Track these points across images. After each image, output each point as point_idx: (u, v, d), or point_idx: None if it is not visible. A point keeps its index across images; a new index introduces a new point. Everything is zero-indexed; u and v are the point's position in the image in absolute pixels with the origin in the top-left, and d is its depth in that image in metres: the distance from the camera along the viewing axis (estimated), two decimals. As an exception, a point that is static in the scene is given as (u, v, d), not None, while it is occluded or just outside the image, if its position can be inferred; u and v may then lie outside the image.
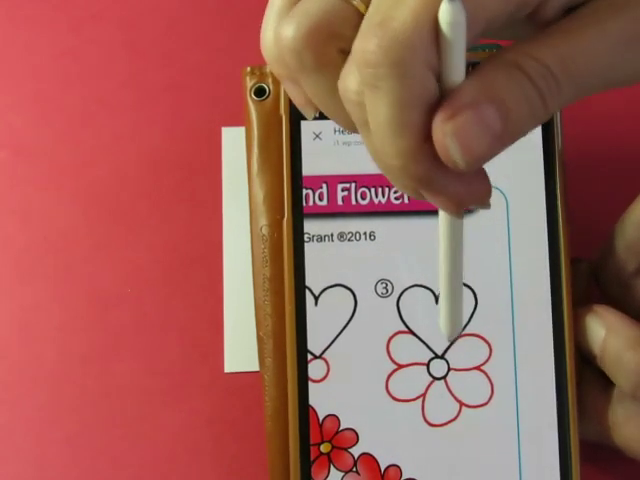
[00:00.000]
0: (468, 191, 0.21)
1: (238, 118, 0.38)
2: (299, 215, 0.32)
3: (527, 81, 0.20)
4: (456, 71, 0.20)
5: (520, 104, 0.20)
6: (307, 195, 0.33)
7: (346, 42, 0.22)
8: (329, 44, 0.22)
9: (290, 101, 0.32)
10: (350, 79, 0.21)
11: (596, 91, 0.22)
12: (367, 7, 0.22)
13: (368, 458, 0.32)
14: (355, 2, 0.22)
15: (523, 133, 0.21)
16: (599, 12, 0.21)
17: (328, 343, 0.32)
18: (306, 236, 0.32)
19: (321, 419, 0.32)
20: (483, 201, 0.22)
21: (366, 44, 0.19)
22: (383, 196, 0.33)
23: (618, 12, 0.21)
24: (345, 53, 0.22)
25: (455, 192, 0.21)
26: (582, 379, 0.33)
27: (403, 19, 0.19)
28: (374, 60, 0.19)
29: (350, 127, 0.23)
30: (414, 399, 0.32)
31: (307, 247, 0.32)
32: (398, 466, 0.32)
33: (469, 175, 0.21)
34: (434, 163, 0.20)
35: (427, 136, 0.20)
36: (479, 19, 0.20)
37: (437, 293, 0.32)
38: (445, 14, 0.19)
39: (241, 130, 0.35)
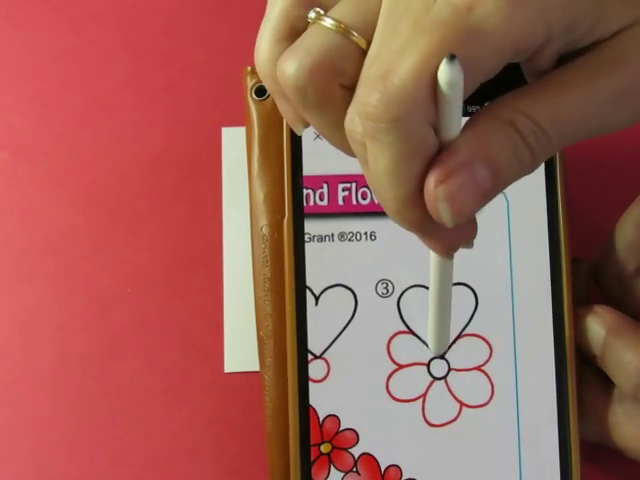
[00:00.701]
0: (458, 236, 0.22)
1: (238, 118, 0.38)
2: (300, 215, 0.32)
3: (519, 139, 0.21)
4: (453, 126, 0.20)
5: (511, 161, 0.21)
6: (308, 195, 0.33)
7: (348, 77, 0.22)
8: (331, 81, 0.22)
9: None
10: (356, 122, 0.21)
11: (583, 139, 0.22)
12: (367, 42, 0.22)
13: (368, 458, 0.32)
14: (355, 38, 0.22)
15: (508, 186, 0.22)
16: (591, 68, 0.22)
17: (328, 343, 0.32)
18: (307, 236, 0.33)
19: (321, 419, 0.32)
20: (469, 243, 0.23)
21: (368, 97, 0.20)
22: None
23: (609, 70, 0.21)
24: (347, 88, 0.22)
25: (446, 237, 0.22)
26: (582, 379, 0.33)
27: (404, 75, 0.19)
28: (375, 114, 0.20)
29: (351, 155, 0.23)
30: (414, 399, 0.32)
31: (308, 247, 0.32)
32: (398, 466, 0.32)
33: None
34: (428, 211, 0.21)
35: (423, 186, 0.21)
36: (476, 75, 0.20)
37: None
38: (444, 74, 0.19)
39: (241, 130, 0.35)
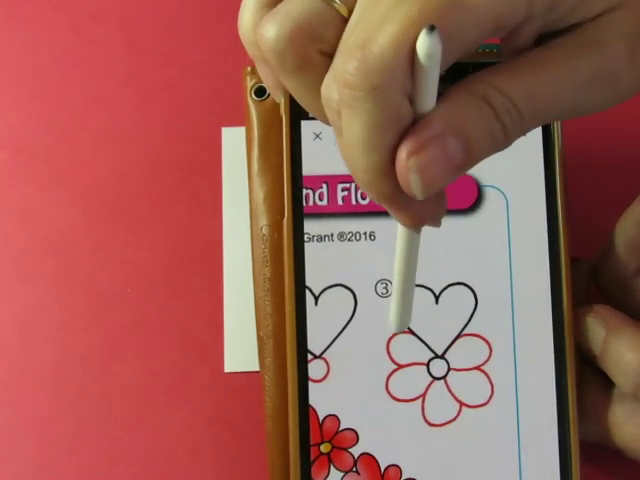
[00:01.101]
0: (427, 210, 0.23)
1: (238, 118, 0.38)
2: (299, 215, 0.32)
3: (492, 115, 0.21)
4: (428, 98, 0.20)
5: (483, 137, 0.21)
6: (307, 195, 0.33)
7: (327, 44, 0.22)
8: (310, 46, 0.22)
9: (290, 101, 0.32)
10: (333, 88, 0.21)
11: (558, 120, 0.22)
12: (349, 10, 0.22)
13: (368, 458, 0.32)
14: (337, 5, 0.22)
15: (479, 161, 0.22)
16: (568, 49, 0.22)
17: (328, 343, 0.32)
18: (306, 236, 0.32)
19: (321, 419, 0.32)
20: (437, 220, 0.23)
21: (346, 64, 0.20)
22: (383, 196, 0.33)
23: (587, 52, 0.22)
24: (326, 55, 0.22)
25: (415, 211, 0.22)
26: (582, 379, 0.33)
27: (383, 44, 0.19)
28: (352, 82, 0.20)
29: (326, 123, 0.23)
30: (414, 399, 0.32)
31: (307, 247, 0.32)
32: (398, 466, 0.32)
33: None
34: (398, 183, 0.21)
35: (395, 157, 0.21)
36: (455, 48, 0.20)
37: (437, 293, 0.32)
38: (423, 45, 0.19)
39: (241, 130, 0.35)
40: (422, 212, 0.22)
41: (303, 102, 0.24)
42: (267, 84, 0.26)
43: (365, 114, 0.20)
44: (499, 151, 0.22)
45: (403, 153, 0.20)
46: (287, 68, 0.23)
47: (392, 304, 0.26)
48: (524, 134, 0.22)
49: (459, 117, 0.21)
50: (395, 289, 0.25)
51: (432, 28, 0.19)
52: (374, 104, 0.20)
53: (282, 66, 0.23)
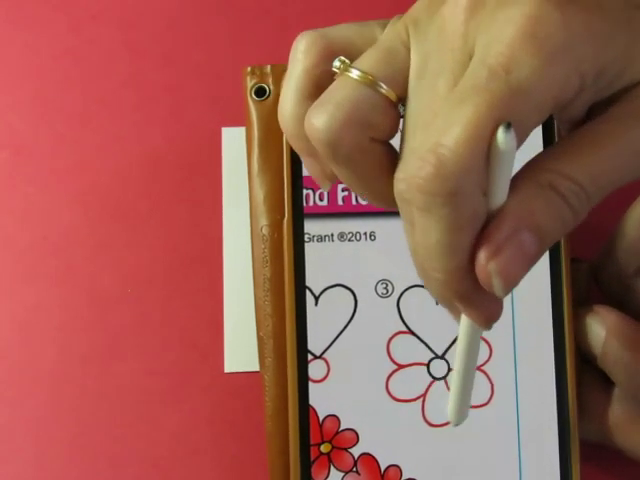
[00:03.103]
0: (499, 306, 0.22)
1: (238, 118, 0.38)
2: (299, 215, 0.32)
3: (562, 202, 0.21)
4: (502, 192, 0.20)
5: (555, 224, 0.21)
6: (307, 195, 0.33)
7: (378, 131, 0.22)
8: (362, 134, 0.22)
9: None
10: (403, 189, 0.21)
11: (620, 187, 0.22)
12: (397, 95, 0.22)
13: (368, 458, 0.32)
14: (384, 90, 0.22)
15: (552, 244, 0.22)
16: (622, 120, 0.22)
17: (328, 343, 0.32)
18: (306, 236, 0.33)
19: (321, 419, 0.32)
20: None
21: (419, 171, 0.20)
22: (383, 196, 0.33)
23: (636, 123, 0.21)
24: (377, 141, 0.22)
25: (489, 308, 0.22)
26: (582, 379, 0.33)
27: (455, 147, 0.19)
28: (428, 188, 0.20)
29: (384, 206, 0.23)
30: (414, 399, 0.32)
31: (307, 247, 0.32)
32: (398, 466, 0.32)
33: None
34: (476, 283, 0.21)
35: (473, 257, 0.21)
36: (522, 135, 0.20)
37: None
38: (501, 143, 0.19)
39: (241, 130, 0.35)
40: (496, 309, 0.22)
41: (356, 189, 0.24)
42: (313, 175, 0.25)
43: (444, 219, 0.20)
44: (569, 231, 0.22)
45: (482, 258, 0.20)
46: (340, 158, 0.22)
47: (451, 397, 0.26)
48: (591, 208, 0.22)
49: (530, 210, 0.21)
50: (455, 382, 0.25)
51: (508, 125, 0.19)
52: (453, 209, 0.20)
53: (334, 156, 0.22)
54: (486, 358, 0.32)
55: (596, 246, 0.34)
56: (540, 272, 0.33)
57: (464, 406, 0.26)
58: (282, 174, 0.33)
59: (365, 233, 0.33)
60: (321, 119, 0.22)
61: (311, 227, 0.33)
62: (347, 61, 0.23)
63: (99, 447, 0.36)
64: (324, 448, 0.32)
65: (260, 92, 0.34)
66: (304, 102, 0.24)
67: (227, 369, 0.37)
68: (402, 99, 0.23)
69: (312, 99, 0.23)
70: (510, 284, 0.21)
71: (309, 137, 0.23)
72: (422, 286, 0.32)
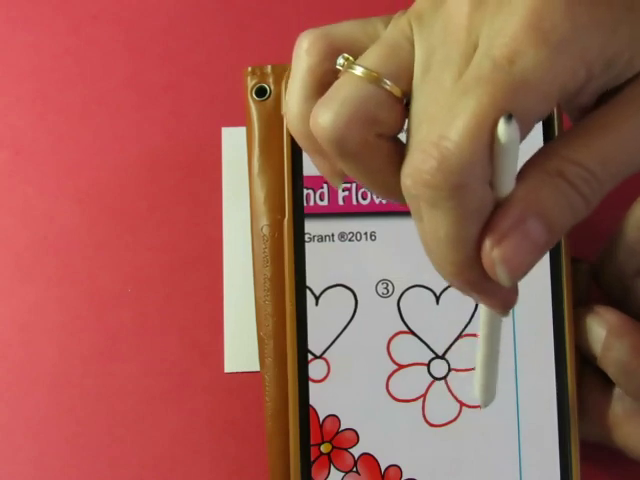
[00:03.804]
0: (515, 292, 0.22)
1: (238, 118, 0.38)
2: (300, 215, 0.33)
3: (571, 189, 0.21)
4: (508, 181, 0.20)
5: (564, 212, 0.21)
6: (308, 195, 0.33)
7: (384, 127, 0.22)
8: (368, 131, 0.22)
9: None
10: (410, 184, 0.21)
11: (631, 175, 0.22)
12: (402, 91, 0.22)
13: (368, 458, 0.32)
14: (389, 86, 0.22)
15: (564, 233, 0.22)
16: (632, 103, 0.21)
17: (329, 343, 0.32)
18: (307, 236, 0.33)
19: (321, 419, 0.32)
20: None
21: (423, 165, 0.20)
22: (384, 196, 0.33)
23: None
24: (383, 137, 0.22)
25: (504, 296, 0.22)
26: (582, 379, 0.33)
27: (459, 140, 0.19)
28: (433, 182, 0.20)
29: (393, 202, 0.23)
30: (414, 399, 0.32)
31: (308, 247, 0.32)
32: (398, 466, 0.32)
33: None
34: (486, 272, 0.21)
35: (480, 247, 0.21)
36: (527, 126, 0.20)
37: (438, 293, 0.32)
38: (503, 135, 0.19)
39: (241, 130, 0.35)
40: (510, 296, 0.22)
41: (365, 185, 0.24)
42: (323, 173, 0.25)
43: (450, 212, 0.20)
44: (582, 219, 0.22)
45: (487, 246, 0.20)
46: (346, 155, 0.22)
47: (476, 379, 0.26)
48: (603, 196, 0.22)
49: (537, 198, 0.20)
50: (480, 367, 0.26)
51: (510, 116, 0.19)
52: (458, 202, 0.20)
53: (341, 153, 0.22)
54: (486, 358, 0.32)
55: (596, 246, 0.34)
56: (540, 272, 0.33)
57: (491, 388, 0.26)
58: (283, 174, 0.33)
59: (366, 233, 0.33)
60: (326, 117, 0.22)
61: (312, 227, 0.33)
62: (351, 58, 0.23)
63: (99, 447, 0.36)
64: (324, 448, 0.32)
65: (261, 92, 0.34)
66: (309, 100, 0.24)
67: (227, 369, 0.37)
68: (407, 94, 0.23)
69: (317, 97, 0.23)
70: (515, 272, 0.21)
71: (315, 135, 0.23)
72: (423, 286, 0.33)
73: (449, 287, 0.32)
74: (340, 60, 0.23)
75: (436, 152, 0.19)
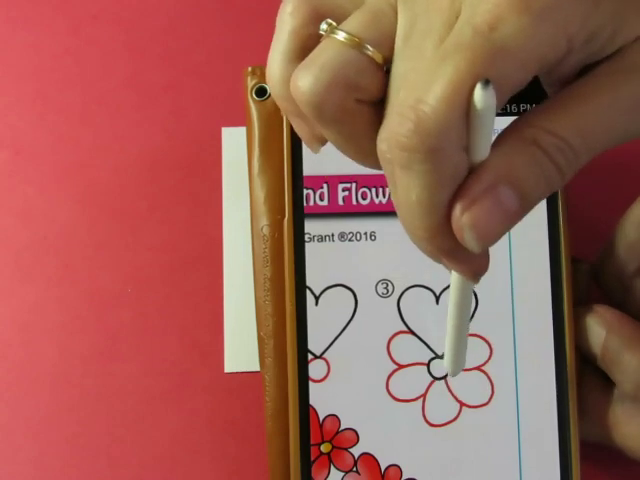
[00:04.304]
0: (487, 260, 0.22)
1: (238, 118, 0.38)
2: (300, 215, 0.33)
3: (546, 159, 0.21)
4: (483, 148, 0.20)
5: (538, 181, 0.21)
6: (308, 195, 0.33)
7: (364, 92, 0.22)
8: (347, 95, 0.22)
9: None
10: (385, 148, 0.21)
11: (609, 148, 0.22)
12: (384, 57, 0.22)
13: (368, 458, 0.32)
14: (370, 52, 0.22)
15: (536, 204, 0.21)
16: (612, 76, 0.21)
17: (329, 343, 0.32)
18: (307, 236, 0.33)
19: (321, 419, 0.32)
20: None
21: (399, 127, 0.20)
22: (384, 196, 0.33)
23: (632, 76, 0.21)
24: (364, 103, 0.22)
25: (474, 263, 0.22)
26: (582, 379, 0.33)
27: (436, 104, 0.19)
28: (408, 145, 0.20)
29: (370, 167, 0.23)
30: (414, 399, 0.32)
31: (308, 247, 0.32)
32: (398, 466, 0.32)
33: None
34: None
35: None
36: (504, 93, 0.20)
37: (438, 293, 0.32)
38: (479, 100, 0.19)
39: (241, 130, 0.35)
40: (482, 263, 0.22)
41: (343, 150, 0.24)
42: (302, 136, 0.25)
43: (423, 175, 0.20)
44: (557, 190, 0.22)
45: (457, 210, 0.20)
46: (326, 119, 0.22)
47: (446, 349, 0.26)
48: (580, 169, 0.22)
49: (511, 166, 0.20)
50: (449, 336, 0.26)
51: (487, 82, 0.19)
52: (433, 165, 0.20)
53: (320, 118, 0.22)
54: (486, 358, 0.32)
55: (596, 246, 0.34)
56: (540, 272, 0.33)
57: (460, 357, 0.26)
58: (283, 174, 0.33)
59: (365, 233, 0.33)
60: (306, 81, 0.22)
61: (311, 227, 0.33)
62: (334, 24, 0.23)
63: (99, 447, 0.36)
64: (324, 448, 0.32)
65: (261, 92, 0.34)
66: (291, 64, 0.24)
67: (227, 369, 0.37)
68: (389, 61, 0.23)
69: (299, 61, 0.23)
70: (484, 239, 0.20)
71: (295, 99, 0.22)
72: (422, 286, 0.33)
73: (449, 287, 0.32)
74: (323, 26, 0.23)
75: (413, 115, 0.19)
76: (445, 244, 0.21)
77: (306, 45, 0.24)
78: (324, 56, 0.22)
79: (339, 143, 0.23)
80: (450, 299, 0.25)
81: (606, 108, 0.21)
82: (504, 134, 0.21)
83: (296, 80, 0.22)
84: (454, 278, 0.24)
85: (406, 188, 0.21)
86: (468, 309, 0.25)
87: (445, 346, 0.26)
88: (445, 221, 0.21)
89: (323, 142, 0.25)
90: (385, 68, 0.23)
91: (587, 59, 0.22)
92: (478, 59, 0.19)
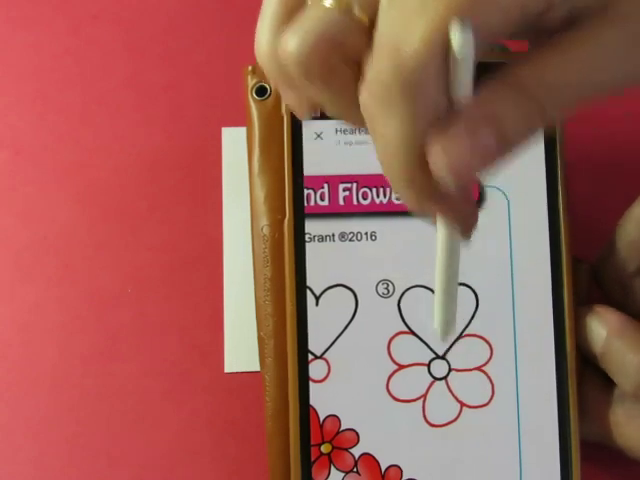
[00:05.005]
0: (473, 209, 0.23)
1: (238, 118, 0.38)
2: (300, 215, 0.32)
3: (527, 100, 0.21)
4: (464, 89, 0.21)
5: (518, 123, 0.21)
6: (308, 195, 0.33)
7: (349, 51, 0.22)
8: (334, 54, 0.22)
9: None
10: (367, 96, 0.21)
11: (593, 98, 0.22)
12: (370, 19, 0.22)
13: (369, 458, 0.32)
14: (356, 14, 0.22)
15: (516, 148, 0.21)
16: (599, 22, 0.22)
17: (329, 343, 0.32)
18: (307, 236, 0.32)
19: (322, 419, 0.32)
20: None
21: (380, 65, 0.20)
22: (384, 196, 0.33)
23: (619, 22, 0.21)
24: (350, 63, 0.23)
25: (461, 211, 0.22)
26: (583, 379, 0.33)
27: (415, 43, 0.20)
28: (388, 81, 0.20)
29: (358, 125, 0.23)
30: (415, 399, 0.32)
31: (308, 247, 0.32)
32: (399, 466, 0.32)
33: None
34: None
35: None
36: (485, 37, 0.20)
37: None
38: (456, 39, 0.19)
39: (241, 130, 0.35)
40: (467, 210, 0.22)
41: (330, 110, 0.24)
42: (291, 104, 0.26)
43: (402, 110, 0.20)
44: (536, 133, 0.22)
45: (434, 145, 0.21)
46: (313, 78, 0.23)
47: (436, 312, 0.26)
48: (564, 117, 0.22)
49: (491, 106, 0.21)
50: (438, 297, 0.25)
51: (464, 23, 0.19)
52: (411, 102, 0.20)
53: (307, 77, 0.23)
54: (487, 358, 0.32)
55: (596, 246, 0.34)
56: (541, 272, 0.33)
57: (450, 319, 0.26)
58: (283, 174, 0.33)
59: (366, 233, 0.33)
60: (293, 42, 0.22)
61: (312, 227, 0.33)
62: None
63: (99, 447, 0.36)
64: (324, 448, 0.32)
65: (261, 91, 0.34)
66: (279, 31, 0.24)
67: (227, 369, 0.37)
68: (375, 23, 0.23)
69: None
70: (459, 175, 0.21)
71: (283, 61, 0.23)
72: (423, 286, 0.33)
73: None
74: None
75: (394, 54, 0.20)
76: (425, 186, 0.21)
77: (293, 13, 0.24)
78: (310, 19, 0.22)
79: (327, 103, 0.24)
80: (437, 260, 0.24)
81: (592, 53, 0.21)
82: (485, 80, 0.21)
83: (283, 44, 0.23)
84: (440, 236, 0.24)
85: (385, 126, 0.21)
86: (456, 270, 0.25)
87: (434, 308, 0.26)
88: (423, 161, 0.21)
89: (312, 108, 0.25)
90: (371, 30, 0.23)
91: (570, 14, 0.22)
92: (458, 1, 0.20)
